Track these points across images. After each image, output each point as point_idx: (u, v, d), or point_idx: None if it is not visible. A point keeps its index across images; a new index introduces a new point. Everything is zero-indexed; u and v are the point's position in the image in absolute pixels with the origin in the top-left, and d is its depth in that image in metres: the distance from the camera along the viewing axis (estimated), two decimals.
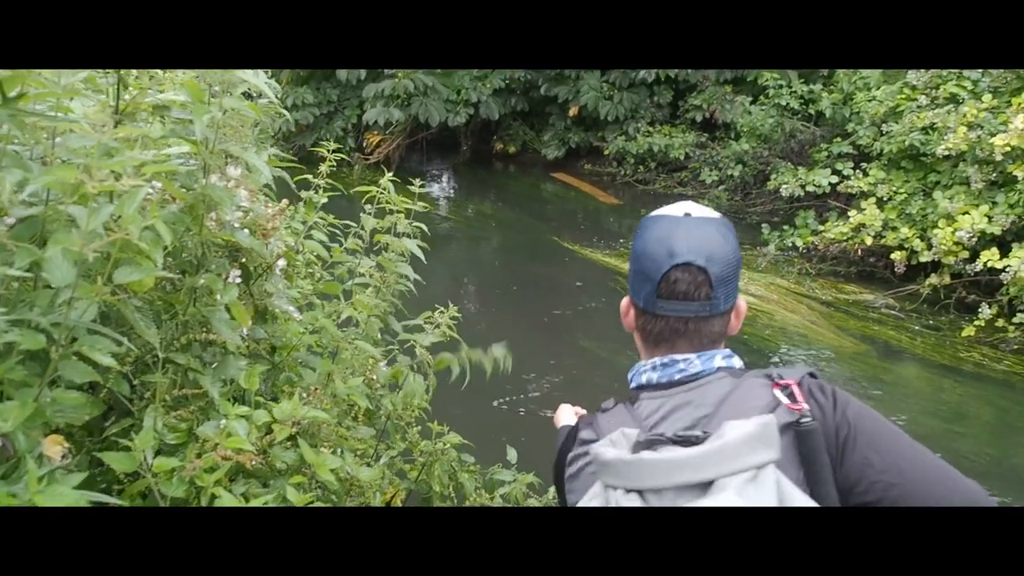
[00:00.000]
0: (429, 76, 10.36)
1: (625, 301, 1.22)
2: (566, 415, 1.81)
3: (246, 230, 1.61)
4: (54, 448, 1.20)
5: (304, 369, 1.83)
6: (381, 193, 2.02)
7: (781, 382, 1.06)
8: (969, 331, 6.16)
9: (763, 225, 8.39)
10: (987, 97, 6.71)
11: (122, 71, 1.25)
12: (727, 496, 0.88)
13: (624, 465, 0.94)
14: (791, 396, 1.04)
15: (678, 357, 1.14)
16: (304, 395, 1.85)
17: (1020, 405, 5.32)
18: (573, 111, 11.06)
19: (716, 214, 1.17)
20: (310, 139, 11.00)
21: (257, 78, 1.36)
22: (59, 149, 1.21)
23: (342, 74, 10.82)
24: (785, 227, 8.19)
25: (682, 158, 10.36)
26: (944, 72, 7.18)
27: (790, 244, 7.96)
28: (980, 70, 7.02)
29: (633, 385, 1.20)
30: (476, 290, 7.50)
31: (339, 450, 1.81)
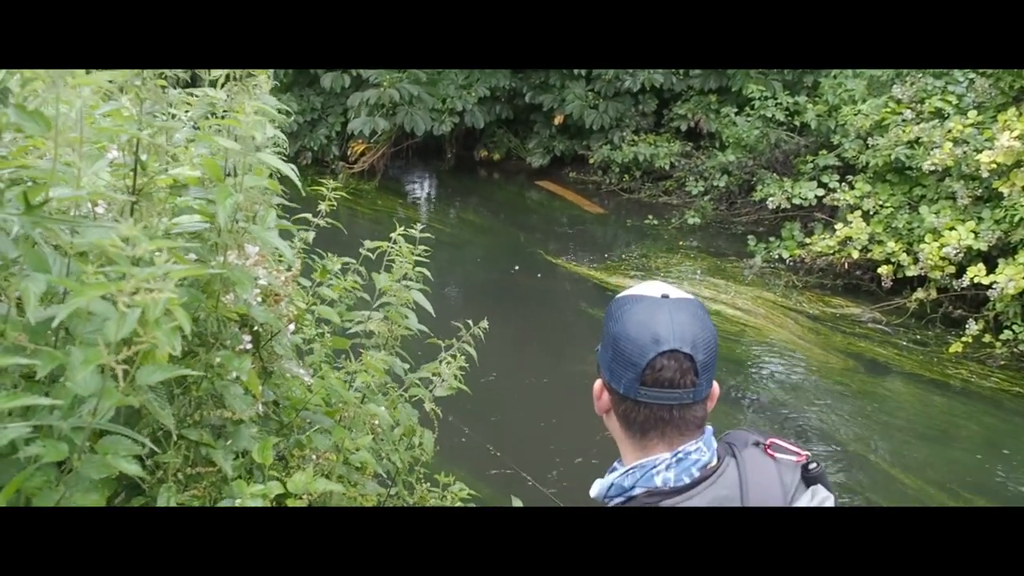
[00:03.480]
0: (414, 86, 10.29)
1: (599, 384, 1.18)
2: None
3: (260, 299, 1.57)
4: None
5: (314, 433, 1.80)
6: (392, 247, 1.99)
7: (766, 442, 1.16)
8: (957, 347, 6.22)
9: (749, 236, 8.42)
10: (972, 113, 6.78)
11: (139, 154, 1.20)
12: None
13: None
14: (784, 451, 1.15)
15: (689, 449, 1.11)
16: (315, 458, 1.82)
17: (1008, 423, 5.38)
18: (558, 119, 11.04)
19: (689, 295, 1.16)
20: (294, 147, 10.89)
21: (276, 158, 1.33)
22: (78, 240, 1.17)
23: (326, 81, 10.72)
24: (771, 238, 8.23)
25: (667, 167, 10.37)
26: (929, 87, 7.25)
27: (776, 256, 7.99)
28: (964, 86, 7.09)
29: (639, 490, 1.12)
30: (458, 302, 7.46)
31: None
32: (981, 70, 6.94)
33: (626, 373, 1.10)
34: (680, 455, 1.11)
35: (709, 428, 1.15)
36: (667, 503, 1.08)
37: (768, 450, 1.14)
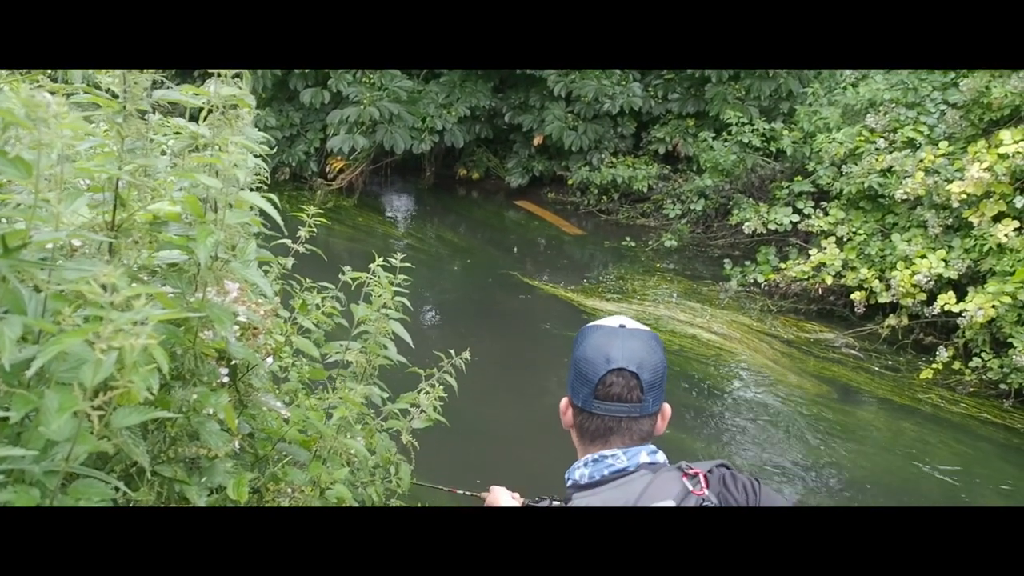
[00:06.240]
0: (394, 104, 10.30)
1: (564, 401, 1.36)
2: (504, 498, 1.92)
3: (238, 334, 1.56)
4: None
5: (290, 467, 1.78)
6: (371, 278, 1.98)
7: (690, 471, 1.23)
8: (927, 373, 6.30)
9: (725, 260, 8.51)
10: (943, 144, 6.91)
11: (120, 191, 1.19)
12: None
13: None
14: (696, 483, 1.21)
15: (607, 453, 1.27)
16: (291, 492, 1.79)
17: (976, 450, 5.45)
18: (537, 140, 11.10)
19: (646, 328, 1.34)
20: (272, 163, 10.83)
21: (258, 196, 1.32)
22: (54, 277, 1.15)
23: (305, 97, 10.70)
24: (747, 262, 8.31)
25: (645, 190, 10.46)
26: (901, 117, 7.39)
27: (752, 280, 8.07)
28: (936, 116, 7.23)
29: (568, 483, 1.32)
30: (435, 322, 7.44)
31: None
32: (952, 102, 7.09)
33: (583, 388, 1.28)
34: (596, 457, 1.28)
35: (651, 446, 1.30)
36: (576, 495, 1.27)
37: (684, 477, 1.22)
